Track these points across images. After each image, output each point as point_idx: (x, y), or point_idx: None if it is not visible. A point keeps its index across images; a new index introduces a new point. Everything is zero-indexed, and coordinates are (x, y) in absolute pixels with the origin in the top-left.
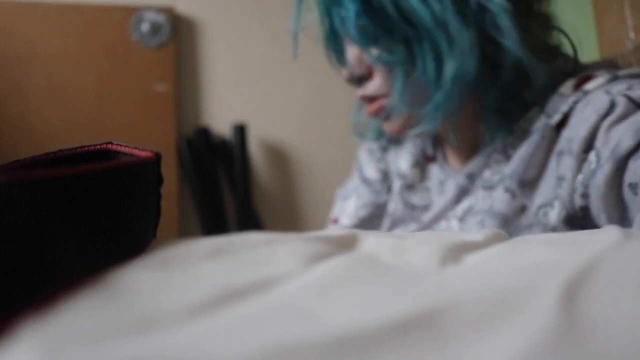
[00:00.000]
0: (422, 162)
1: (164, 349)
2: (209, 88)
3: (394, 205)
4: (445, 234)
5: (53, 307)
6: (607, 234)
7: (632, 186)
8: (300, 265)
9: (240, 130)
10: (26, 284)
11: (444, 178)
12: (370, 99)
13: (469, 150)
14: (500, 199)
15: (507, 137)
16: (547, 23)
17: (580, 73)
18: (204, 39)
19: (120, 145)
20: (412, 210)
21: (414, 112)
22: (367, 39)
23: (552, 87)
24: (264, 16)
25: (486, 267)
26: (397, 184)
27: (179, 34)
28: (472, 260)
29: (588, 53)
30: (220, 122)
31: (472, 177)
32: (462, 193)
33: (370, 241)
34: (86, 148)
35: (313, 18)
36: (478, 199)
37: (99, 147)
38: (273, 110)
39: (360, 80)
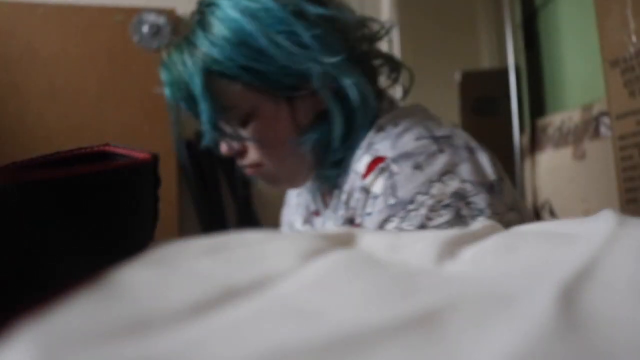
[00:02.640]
0: (310, 218)
1: (163, 350)
2: None
3: None
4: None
5: (51, 307)
6: (602, 224)
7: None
8: (298, 263)
9: None
10: (25, 284)
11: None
12: (249, 165)
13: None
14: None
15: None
16: (374, 63)
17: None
18: None
19: (118, 147)
20: None
21: (289, 172)
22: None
23: (356, 144)
24: None
25: (483, 265)
26: None
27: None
28: (468, 254)
29: (590, 57)
30: None
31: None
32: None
33: (367, 239)
34: (84, 150)
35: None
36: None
37: (96, 148)
38: None
39: (238, 153)
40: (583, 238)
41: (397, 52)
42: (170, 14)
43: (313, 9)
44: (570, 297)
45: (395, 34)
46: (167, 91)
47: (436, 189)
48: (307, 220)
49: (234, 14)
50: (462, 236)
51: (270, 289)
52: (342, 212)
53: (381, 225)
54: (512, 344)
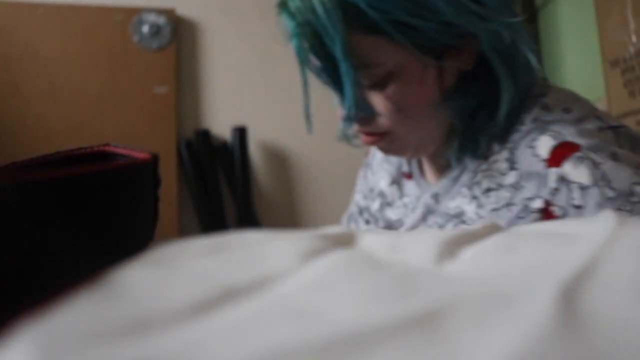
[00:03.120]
0: (399, 180)
1: (163, 350)
2: (209, 90)
3: (370, 219)
4: (441, 230)
5: (51, 307)
6: (602, 224)
7: None
8: (298, 263)
9: (241, 133)
10: (24, 284)
11: (420, 194)
12: (369, 133)
13: (443, 167)
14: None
15: (473, 162)
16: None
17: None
18: (204, 41)
19: (118, 147)
20: (390, 227)
21: (417, 142)
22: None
23: (516, 117)
24: (264, 18)
25: (483, 265)
26: (376, 202)
27: (180, 36)
28: (468, 254)
29: (590, 57)
30: (220, 125)
31: (436, 197)
32: (428, 212)
33: (367, 239)
34: (84, 150)
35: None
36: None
37: (96, 148)
38: (274, 112)
39: (362, 118)
40: (583, 238)
41: None
42: (170, 14)
43: None
44: (571, 297)
45: None
46: (294, 43)
47: None
48: (396, 181)
49: None
50: (462, 236)
51: (270, 289)
52: (493, 192)
53: None
54: (512, 344)
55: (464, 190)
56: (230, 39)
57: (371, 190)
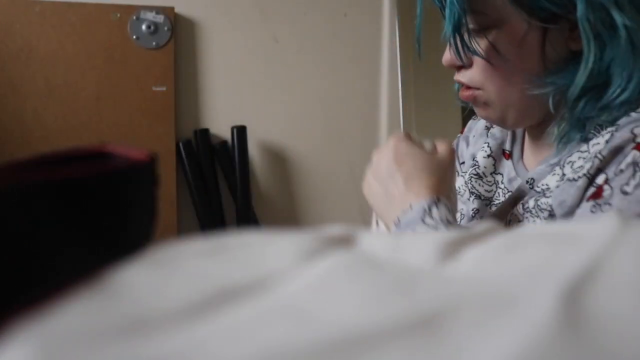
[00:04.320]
0: (498, 156)
1: (163, 350)
2: (208, 89)
3: (460, 185)
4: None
5: (51, 307)
6: (607, 226)
7: None
8: (298, 264)
9: (240, 132)
10: (24, 284)
11: (514, 176)
12: (466, 85)
13: (544, 152)
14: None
15: (574, 150)
16: None
17: None
18: (203, 39)
19: (116, 146)
20: (477, 199)
21: (508, 108)
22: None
23: (630, 106)
24: (264, 17)
25: (484, 266)
26: (469, 169)
27: (179, 34)
28: (469, 256)
29: None
30: (219, 124)
31: (532, 183)
32: (520, 196)
33: (367, 240)
34: (82, 149)
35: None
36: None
37: (94, 148)
38: (273, 112)
39: (459, 67)
40: (586, 239)
41: (397, 52)
42: (169, 12)
43: None
44: (573, 298)
45: (395, 34)
46: None
47: None
48: (495, 156)
49: None
50: (463, 237)
51: (270, 290)
52: (581, 172)
53: (638, 216)
54: (515, 345)
55: (557, 169)
56: (230, 38)
57: (470, 158)
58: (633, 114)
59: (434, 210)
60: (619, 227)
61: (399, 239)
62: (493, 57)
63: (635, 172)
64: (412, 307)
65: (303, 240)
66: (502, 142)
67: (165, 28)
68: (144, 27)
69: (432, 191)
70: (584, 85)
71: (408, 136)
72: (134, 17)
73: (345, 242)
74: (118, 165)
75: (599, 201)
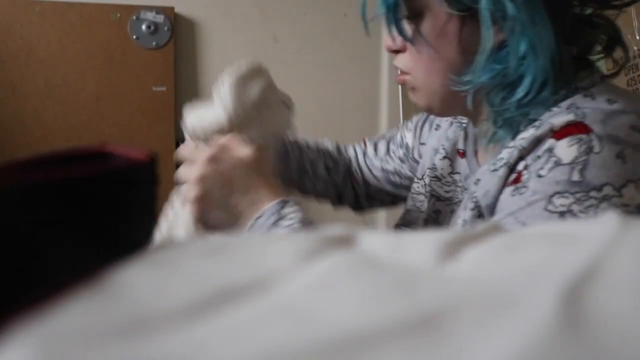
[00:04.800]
0: (454, 156)
1: (163, 350)
2: (208, 89)
3: (419, 189)
4: (441, 231)
5: (51, 307)
6: (607, 226)
7: None
8: (298, 264)
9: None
10: (23, 284)
11: (468, 174)
12: (401, 70)
13: (496, 148)
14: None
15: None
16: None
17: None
18: (203, 39)
19: (116, 146)
20: (438, 200)
21: (433, 96)
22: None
23: (551, 103)
24: (264, 17)
25: (484, 266)
26: (427, 173)
27: (179, 34)
28: (469, 256)
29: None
30: None
31: (478, 183)
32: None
33: (367, 240)
34: (81, 149)
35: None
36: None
37: (94, 148)
38: None
39: (395, 51)
40: (586, 239)
41: None
42: (169, 12)
43: None
44: (574, 298)
45: None
46: None
47: (629, 189)
48: (451, 157)
49: None
50: (464, 237)
51: (270, 290)
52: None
53: (551, 196)
54: (515, 345)
55: (490, 167)
56: (230, 38)
57: (421, 144)
58: (554, 109)
59: (287, 210)
60: (619, 227)
61: (399, 239)
62: (418, 43)
63: (549, 157)
64: (412, 307)
65: (303, 240)
66: (456, 142)
67: (165, 28)
68: (144, 27)
69: (274, 194)
70: (496, 82)
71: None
72: (134, 17)
73: (345, 242)
74: (118, 165)
75: (518, 185)
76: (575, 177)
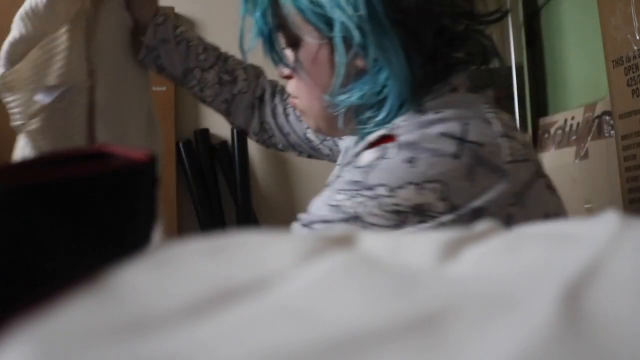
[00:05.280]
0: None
1: (163, 350)
2: None
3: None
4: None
5: (51, 307)
6: (606, 224)
7: None
8: (298, 264)
9: (241, 132)
10: (24, 284)
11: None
12: (291, 95)
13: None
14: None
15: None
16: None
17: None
18: None
19: (115, 146)
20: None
21: (317, 119)
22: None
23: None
24: None
25: (485, 266)
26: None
27: None
28: (469, 256)
29: (593, 55)
30: (220, 124)
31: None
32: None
33: (367, 240)
34: (81, 149)
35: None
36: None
37: (93, 148)
38: None
39: (286, 77)
40: (586, 239)
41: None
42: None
43: None
44: (574, 297)
45: None
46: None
47: (407, 191)
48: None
49: None
50: (464, 237)
51: (270, 290)
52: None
53: (337, 192)
54: (515, 345)
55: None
56: (229, 38)
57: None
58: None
59: None
60: (619, 227)
61: (399, 239)
62: (298, 70)
63: (354, 164)
64: (412, 307)
65: (303, 240)
66: (348, 149)
67: None
68: None
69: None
70: (363, 103)
71: None
72: None
73: (345, 242)
74: (118, 165)
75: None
76: (358, 177)
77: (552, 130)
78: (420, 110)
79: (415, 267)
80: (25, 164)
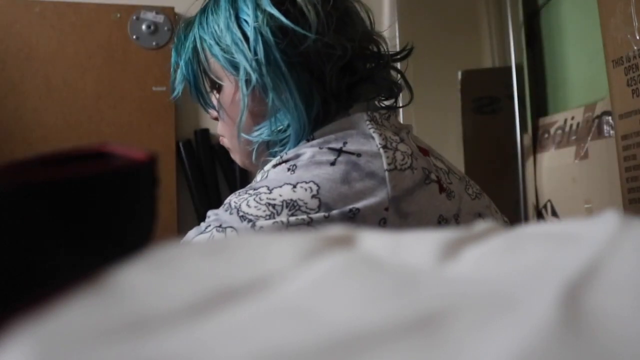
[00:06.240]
0: None
1: (163, 350)
2: None
3: None
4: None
5: (51, 307)
6: (606, 224)
7: None
8: (297, 264)
9: None
10: (24, 284)
11: None
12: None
13: None
14: None
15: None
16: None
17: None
18: None
19: (116, 146)
20: None
21: (242, 156)
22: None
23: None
24: None
25: (485, 266)
26: None
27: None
28: (469, 256)
29: (593, 55)
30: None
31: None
32: None
33: (367, 240)
34: (81, 149)
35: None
36: None
37: (94, 148)
38: None
39: (215, 118)
40: (586, 239)
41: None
42: (169, 12)
43: (266, 5)
44: (574, 298)
45: (395, 35)
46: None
47: (281, 189)
48: None
49: None
50: (464, 237)
51: (270, 290)
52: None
53: (236, 196)
54: (516, 345)
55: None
56: None
57: None
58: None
59: None
60: (619, 227)
61: (399, 239)
62: (220, 112)
63: (263, 175)
64: (412, 307)
65: (303, 240)
66: None
67: (165, 28)
68: (144, 27)
69: None
70: (272, 139)
71: None
72: (134, 17)
73: (345, 242)
74: (118, 165)
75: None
76: (251, 185)
77: (552, 130)
78: (309, 140)
79: (415, 267)
80: (25, 164)
